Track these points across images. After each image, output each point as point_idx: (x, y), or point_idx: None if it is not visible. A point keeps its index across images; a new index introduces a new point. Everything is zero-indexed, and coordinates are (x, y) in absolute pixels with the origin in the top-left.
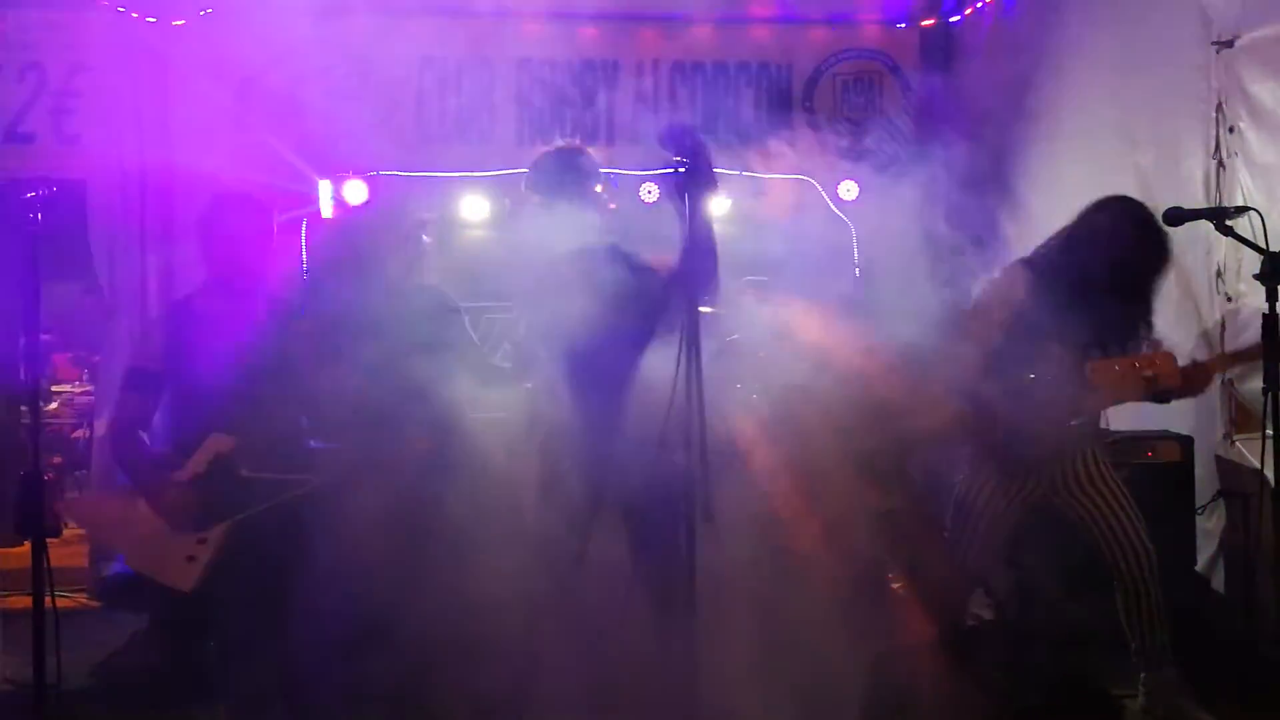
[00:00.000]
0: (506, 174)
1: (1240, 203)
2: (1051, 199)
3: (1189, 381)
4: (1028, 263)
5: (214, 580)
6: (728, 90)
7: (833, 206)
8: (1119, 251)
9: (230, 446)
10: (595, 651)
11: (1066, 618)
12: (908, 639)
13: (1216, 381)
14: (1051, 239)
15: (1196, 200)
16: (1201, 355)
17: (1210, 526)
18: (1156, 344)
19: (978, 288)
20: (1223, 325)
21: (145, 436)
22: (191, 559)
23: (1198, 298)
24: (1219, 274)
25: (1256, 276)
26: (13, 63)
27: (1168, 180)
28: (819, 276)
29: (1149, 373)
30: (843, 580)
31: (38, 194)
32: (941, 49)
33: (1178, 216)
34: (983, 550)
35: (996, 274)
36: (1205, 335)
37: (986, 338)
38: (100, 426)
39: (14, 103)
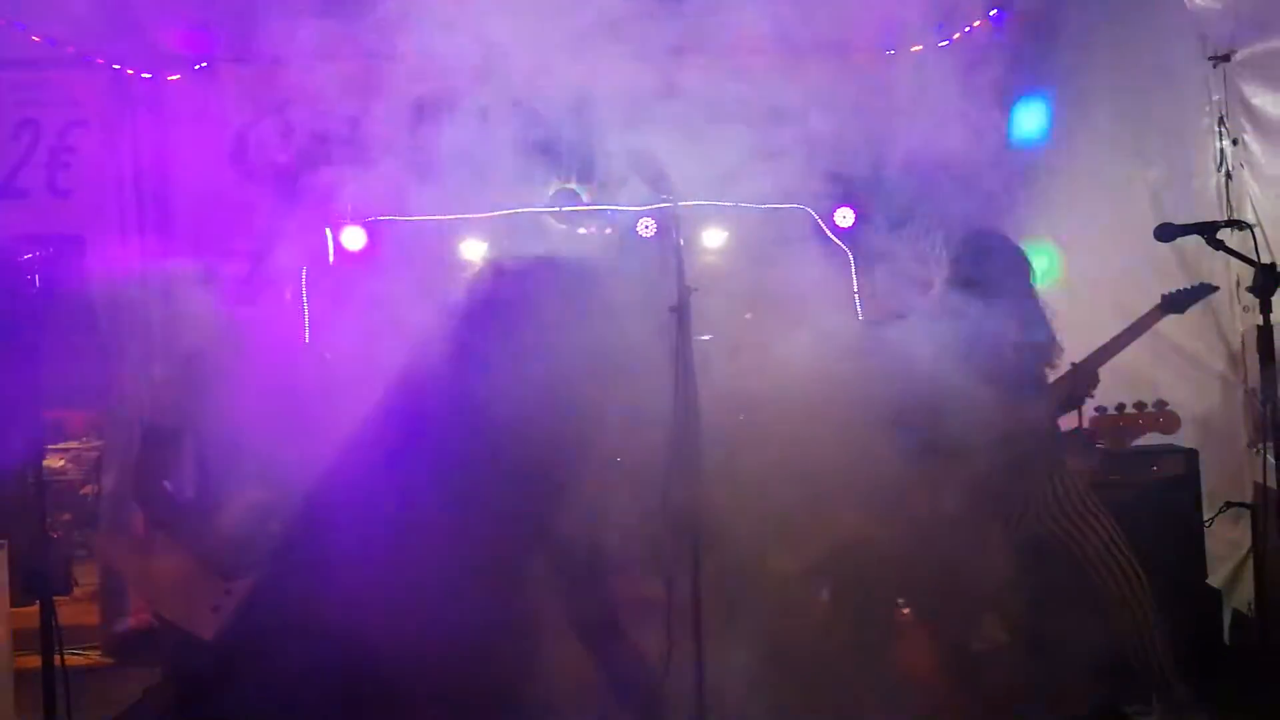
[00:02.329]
0: (506, 214)
1: (1250, 214)
2: (1067, 221)
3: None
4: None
5: (233, 633)
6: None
7: (830, 234)
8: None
9: (263, 500)
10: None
11: (1080, 638)
12: (919, 664)
13: (1237, 393)
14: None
15: (1211, 214)
16: (1219, 364)
17: (1231, 537)
18: (1163, 403)
19: None
20: (1242, 336)
21: (169, 486)
22: (216, 609)
23: (1217, 309)
24: (1238, 284)
25: (1249, 289)
26: (7, 119)
27: (1181, 195)
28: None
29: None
30: (852, 606)
31: (35, 255)
32: (933, 74)
33: (1168, 233)
34: (991, 575)
35: None
36: (1225, 344)
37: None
38: (109, 482)
39: (8, 159)
